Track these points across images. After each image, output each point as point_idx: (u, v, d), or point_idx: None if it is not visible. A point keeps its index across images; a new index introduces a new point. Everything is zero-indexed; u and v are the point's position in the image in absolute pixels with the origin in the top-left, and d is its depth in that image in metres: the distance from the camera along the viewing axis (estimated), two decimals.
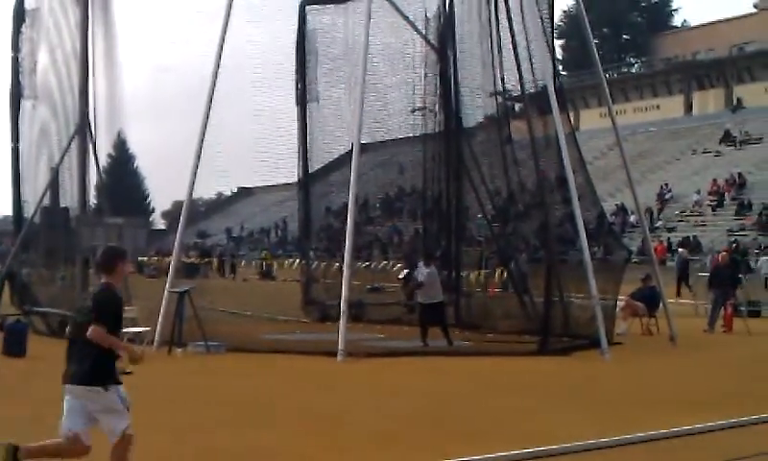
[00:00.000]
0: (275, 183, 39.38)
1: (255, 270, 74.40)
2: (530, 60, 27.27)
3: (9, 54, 30.54)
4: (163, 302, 25.07)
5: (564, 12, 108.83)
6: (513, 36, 27.83)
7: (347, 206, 25.70)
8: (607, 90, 31.84)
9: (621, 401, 17.63)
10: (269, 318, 32.88)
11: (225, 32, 26.46)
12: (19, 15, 30.46)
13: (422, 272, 26.11)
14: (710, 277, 33.18)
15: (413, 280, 26.82)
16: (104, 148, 30.59)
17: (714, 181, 71.34)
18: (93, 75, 28.27)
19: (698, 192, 71.19)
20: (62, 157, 28.65)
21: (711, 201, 69.79)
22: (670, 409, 16.19)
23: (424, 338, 25.51)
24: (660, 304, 28.84)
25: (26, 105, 30.23)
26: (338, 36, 32.82)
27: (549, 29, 27.48)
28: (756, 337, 28.87)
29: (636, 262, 38.24)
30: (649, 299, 29.49)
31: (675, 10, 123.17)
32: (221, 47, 26.42)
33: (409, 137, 34.47)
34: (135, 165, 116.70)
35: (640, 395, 18.42)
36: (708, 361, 24.07)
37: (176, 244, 27.99)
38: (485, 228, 33.29)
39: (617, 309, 27.67)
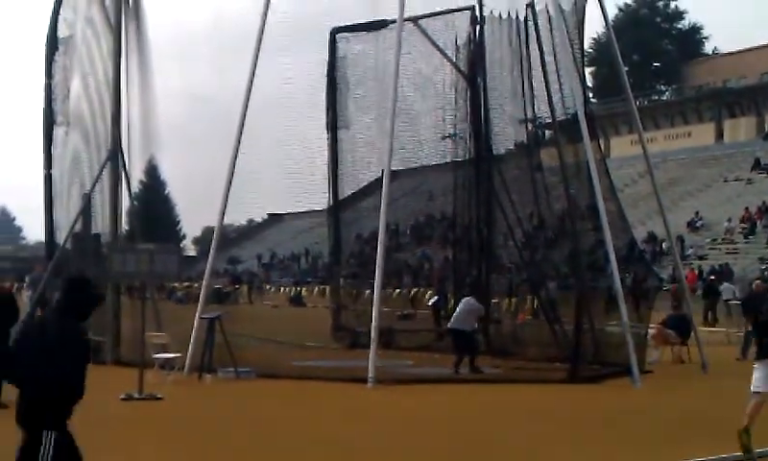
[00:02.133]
0: (305, 210, 39.46)
1: (285, 296, 74.51)
2: (560, 87, 27.27)
3: (42, 80, 30.77)
4: (194, 328, 25.13)
5: (594, 39, 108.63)
6: (543, 64, 27.86)
7: (377, 232, 25.74)
8: (637, 117, 31.78)
9: (653, 431, 17.52)
10: (298, 344, 32.91)
11: (256, 60, 26.61)
12: (53, 43, 30.68)
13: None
14: (744, 305, 32.95)
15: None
16: (135, 174, 30.76)
17: (746, 208, 70.94)
18: (127, 101, 28.47)
19: (729, 220, 70.76)
20: (95, 184, 28.80)
21: (743, 228, 69.37)
22: (703, 438, 16.08)
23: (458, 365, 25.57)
24: (692, 332, 28.66)
25: (59, 131, 30.41)
26: (369, 64, 32.94)
27: (579, 56, 27.49)
28: None
29: (666, 290, 38.09)
30: (680, 326, 29.31)
31: (706, 37, 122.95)
32: (252, 75, 26.56)
33: (439, 164, 34.51)
34: (167, 192, 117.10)
35: (673, 424, 18.30)
36: (740, 390, 23.85)
37: (207, 270, 28.08)
38: (515, 255, 33.22)
39: (648, 337, 27.53)
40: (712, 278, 54.08)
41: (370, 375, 22.43)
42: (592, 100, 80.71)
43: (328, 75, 33.60)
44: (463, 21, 31.91)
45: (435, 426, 17.70)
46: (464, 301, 26.68)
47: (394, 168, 27.30)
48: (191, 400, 21.23)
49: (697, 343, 27.85)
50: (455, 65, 32.28)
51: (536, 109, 29.39)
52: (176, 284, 63.03)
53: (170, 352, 23.81)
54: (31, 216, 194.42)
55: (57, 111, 30.38)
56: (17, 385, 8.77)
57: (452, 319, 26.49)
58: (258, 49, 26.63)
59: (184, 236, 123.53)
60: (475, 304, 26.77)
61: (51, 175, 30.35)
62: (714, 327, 39.17)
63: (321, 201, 34.17)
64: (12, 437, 8.85)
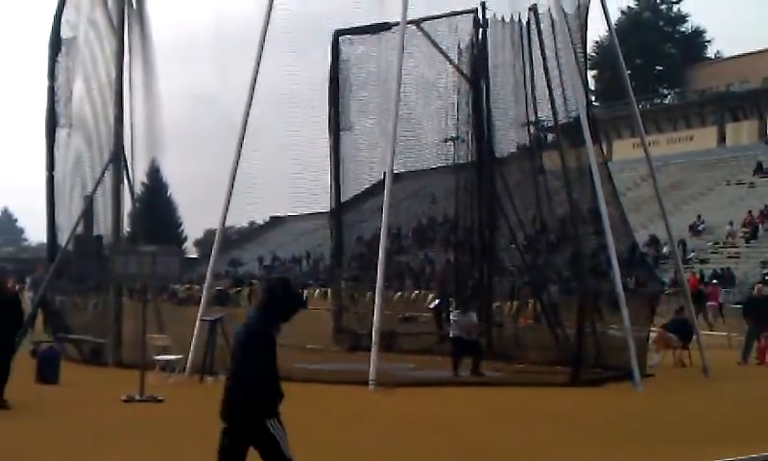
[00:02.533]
0: (307, 212, 39.45)
1: None
2: (563, 90, 27.28)
3: (45, 83, 30.78)
4: (195, 330, 25.13)
5: (597, 42, 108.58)
6: (545, 67, 27.88)
7: (378, 235, 25.72)
8: (640, 121, 31.74)
9: (654, 434, 17.51)
10: (300, 347, 32.88)
11: (259, 62, 26.61)
12: (55, 45, 30.70)
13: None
14: (745, 308, 32.97)
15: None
16: (138, 176, 30.78)
17: (749, 212, 70.88)
18: (131, 103, 28.49)
19: (731, 224, 70.69)
20: (97, 186, 28.81)
21: (745, 232, 69.30)
22: (703, 442, 16.08)
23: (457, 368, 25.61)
24: (694, 336, 28.65)
25: (61, 133, 30.43)
26: (371, 66, 32.95)
27: (582, 59, 27.50)
28: None
29: (668, 294, 38.11)
30: (682, 330, 29.29)
31: (708, 41, 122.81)
32: (255, 77, 26.56)
33: (441, 167, 34.49)
34: (169, 194, 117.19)
35: (673, 428, 18.30)
36: (741, 393, 23.87)
37: (208, 272, 28.08)
38: (517, 258, 33.20)
39: (650, 341, 27.52)
40: (705, 283, 54.31)
41: (371, 377, 22.43)
42: (595, 103, 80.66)
43: (331, 77, 33.63)
44: (466, 24, 31.91)
45: (437, 429, 17.70)
46: (467, 314, 26.71)
47: (396, 171, 27.28)
48: (192, 402, 21.21)
49: (699, 347, 27.84)
50: (458, 68, 32.28)
51: (538, 113, 29.43)
52: (177, 286, 63.10)
53: (171, 354, 23.82)
54: (33, 218, 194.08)
55: (59, 113, 30.40)
56: None
57: (458, 331, 26.36)
58: (261, 51, 26.63)
59: (186, 238, 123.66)
60: (473, 320, 26.90)
61: (53, 177, 30.37)
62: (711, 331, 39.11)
63: (323, 203, 34.18)
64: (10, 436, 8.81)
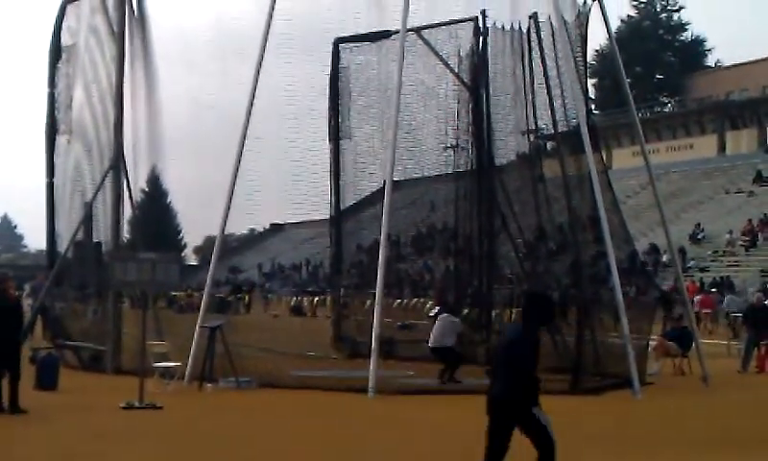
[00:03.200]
0: (306, 220, 39.47)
1: (286, 306, 74.56)
2: (563, 98, 27.29)
3: (45, 89, 30.81)
4: (195, 337, 25.12)
5: (597, 51, 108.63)
6: (546, 75, 27.89)
7: (378, 242, 25.72)
8: (640, 129, 31.75)
9: (654, 443, 17.50)
10: (299, 354, 32.88)
11: (259, 69, 26.61)
12: (56, 52, 30.73)
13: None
14: (744, 317, 32.97)
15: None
16: (138, 183, 30.78)
17: (748, 221, 70.86)
18: (132, 109, 28.51)
19: (731, 232, 70.68)
20: (96, 192, 28.82)
21: (744, 241, 69.29)
22: (702, 450, 16.07)
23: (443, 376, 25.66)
24: (693, 344, 28.63)
25: (61, 140, 30.45)
26: (371, 74, 32.97)
27: (582, 67, 27.51)
28: None
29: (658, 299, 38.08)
30: (682, 338, 29.27)
31: (708, 50, 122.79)
32: (255, 84, 26.56)
33: (441, 175, 34.51)
34: (168, 201, 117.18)
35: (673, 436, 18.28)
36: (740, 402, 23.86)
37: (208, 279, 28.08)
38: (516, 266, 33.19)
39: (650, 349, 27.50)
40: (706, 292, 54.43)
41: (370, 385, 22.43)
42: (595, 111, 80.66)
43: (331, 85, 33.65)
44: (466, 32, 31.96)
45: (437, 437, 17.68)
46: (441, 317, 26.69)
47: (395, 178, 27.29)
48: (191, 409, 21.22)
49: (698, 355, 27.82)
50: (458, 76, 32.31)
51: (538, 121, 29.41)
52: (177, 293, 63.13)
53: (170, 361, 23.81)
54: (32, 225, 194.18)
55: (59, 120, 30.43)
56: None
57: (432, 338, 26.34)
58: (261, 59, 26.63)
59: (186, 245, 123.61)
60: (453, 320, 26.86)
61: (53, 183, 30.39)
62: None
63: (322, 210, 34.18)
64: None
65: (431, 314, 29.86)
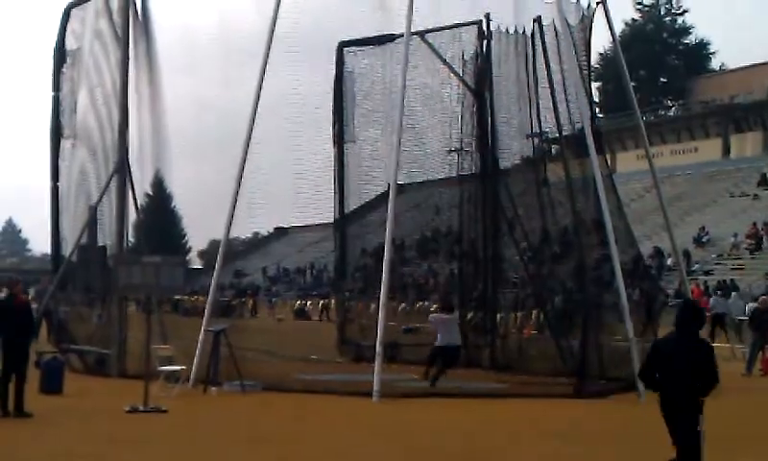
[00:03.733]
0: (311, 224, 39.48)
1: (290, 309, 74.58)
2: (567, 101, 27.29)
3: (49, 93, 30.84)
4: (199, 340, 25.13)
5: (601, 54, 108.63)
6: (550, 78, 27.88)
7: (382, 246, 25.72)
8: (644, 133, 31.80)
9: (658, 446, 17.47)
10: (304, 358, 32.89)
11: (263, 73, 26.60)
12: (60, 55, 30.77)
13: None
14: (750, 320, 32.93)
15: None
16: (142, 187, 30.81)
17: (753, 224, 70.79)
18: (137, 113, 28.53)
19: (735, 235, 70.61)
20: (101, 196, 28.84)
21: (749, 244, 69.22)
22: (709, 453, 16.02)
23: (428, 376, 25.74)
24: None
25: (66, 144, 30.47)
26: (375, 78, 33.00)
27: (586, 71, 27.51)
28: None
29: (672, 305, 38.01)
30: None
31: (713, 53, 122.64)
32: (259, 88, 26.56)
33: (445, 178, 34.50)
34: (173, 204, 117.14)
35: None
36: (745, 405, 23.82)
37: (212, 283, 28.07)
38: (521, 269, 33.19)
39: None
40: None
41: (375, 388, 22.42)
42: (599, 115, 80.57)
43: (335, 88, 33.68)
44: (470, 36, 31.98)
45: (442, 441, 17.67)
46: (448, 318, 26.76)
47: (400, 182, 27.30)
48: (196, 412, 21.22)
49: None
50: (462, 79, 32.31)
51: (542, 124, 29.39)
52: (181, 297, 63.11)
53: (175, 365, 23.82)
54: (37, 229, 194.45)
55: (64, 124, 30.46)
56: (654, 388, 12.74)
57: (446, 338, 26.34)
58: (266, 62, 26.63)
59: (190, 249, 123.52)
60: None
61: (57, 187, 30.41)
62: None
63: (327, 214, 34.17)
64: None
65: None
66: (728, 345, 37.69)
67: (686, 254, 62.81)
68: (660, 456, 16.15)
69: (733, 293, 52.37)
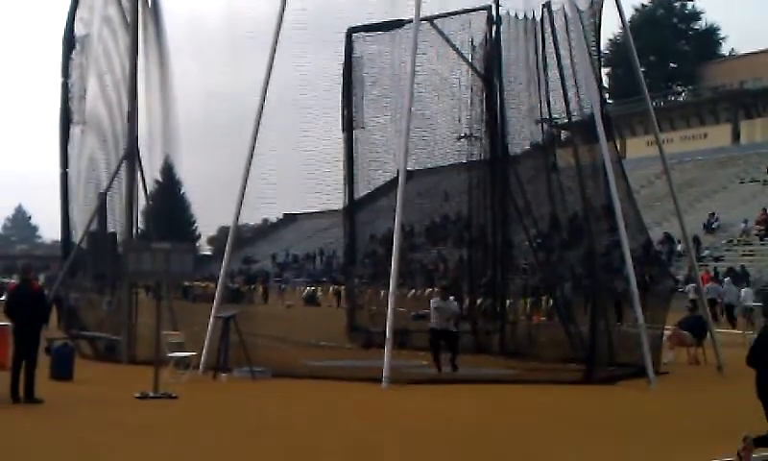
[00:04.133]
0: (320, 210, 39.48)
1: (300, 296, 74.66)
2: (576, 87, 27.21)
3: (59, 80, 30.83)
4: (209, 327, 25.15)
5: (611, 40, 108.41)
6: (559, 64, 27.80)
7: (392, 232, 25.68)
8: (654, 119, 31.70)
9: (669, 432, 17.47)
10: (313, 344, 32.91)
11: (272, 59, 26.57)
12: (69, 42, 30.75)
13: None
14: (763, 305, 32.92)
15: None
16: (151, 173, 30.81)
17: (764, 210, 70.64)
18: (146, 99, 28.54)
19: (746, 221, 70.50)
20: (110, 183, 28.85)
21: (759, 230, 69.10)
22: (717, 440, 16.01)
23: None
24: (708, 334, 28.55)
25: (75, 130, 30.47)
26: (384, 64, 32.92)
27: (596, 56, 27.42)
28: None
29: (682, 291, 38.02)
30: (696, 327, 29.19)
31: (722, 38, 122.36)
32: (268, 74, 26.52)
33: (455, 165, 34.46)
34: (182, 191, 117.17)
35: (688, 425, 18.26)
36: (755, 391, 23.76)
37: (222, 269, 28.09)
38: (530, 255, 33.16)
39: (664, 338, 27.43)
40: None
41: (384, 375, 22.43)
42: (608, 101, 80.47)
43: (344, 75, 33.62)
44: (479, 21, 31.91)
45: (451, 427, 17.68)
46: (443, 301, 26.65)
47: (409, 168, 27.26)
48: (206, 399, 21.25)
49: (713, 344, 27.76)
50: (471, 65, 32.26)
51: (552, 110, 29.32)
52: (191, 283, 63.14)
53: (185, 351, 23.84)
54: (47, 215, 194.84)
55: (73, 110, 30.44)
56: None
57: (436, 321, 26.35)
58: (275, 48, 26.59)
59: (200, 235, 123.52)
60: (453, 307, 26.95)
61: (67, 174, 30.41)
62: None
63: (336, 201, 34.16)
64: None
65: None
66: (730, 331, 37.65)
67: (696, 240, 62.69)
68: (669, 441, 16.17)
69: (726, 278, 52.27)
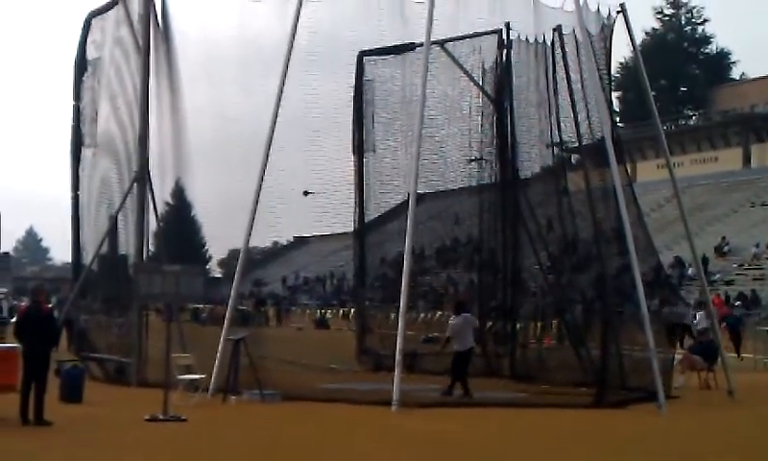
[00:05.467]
0: (330, 233, 39.50)
1: (310, 318, 74.64)
2: (587, 111, 27.22)
3: (70, 103, 30.95)
4: (219, 349, 25.12)
5: (622, 63, 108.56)
6: (570, 88, 27.82)
7: (402, 255, 25.66)
8: (664, 142, 31.70)
9: (679, 456, 17.40)
10: (323, 367, 32.87)
11: (283, 81, 26.58)
12: (81, 65, 30.89)
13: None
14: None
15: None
16: (162, 196, 30.86)
17: None
18: (157, 122, 28.61)
19: (757, 245, 70.39)
20: (121, 205, 28.91)
21: None
22: None
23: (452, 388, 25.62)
24: (719, 358, 28.46)
25: (86, 153, 30.57)
26: (395, 87, 33.00)
27: (606, 80, 27.45)
28: None
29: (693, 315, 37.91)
30: (707, 352, 29.10)
31: (733, 62, 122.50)
32: (279, 97, 26.55)
33: (465, 188, 34.48)
34: (193, 213, 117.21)
35: (698, 450, 18.18)
36: (766, 415, 23.70)
37: (232, 292, 28.07)
38: (540, 278, 33.12)
39: (675, 362, 27.35)
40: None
41: (394, 398, 22.37)
42: (619, 124, 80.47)
43: (355, 98, 33.71)
44: (490, 45, 31.95)
45: (461, 451, 17.63)
46: (458, 316, 26.57)
47: (419, 191, 27.23)
48: (215, 421, 21.22)
49: (724, 369, 27.67)
50: (481, 89, 32.31)
51: (562, 133, 29.32)
52: (201, 306, 63.15)
53: (195, 374, 23.83)
54: (58, 237, 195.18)
55: (84, 133, 30.55)
56: None
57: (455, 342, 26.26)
58: (286, 71, 26.61)
59: (210, 258, 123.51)
60: (472, 320, 26.89)
61: (78, 196, 30.50)
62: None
63: (346, 224, 34.18)
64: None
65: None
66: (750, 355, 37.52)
67: (705, 261, 62.47)
68: None
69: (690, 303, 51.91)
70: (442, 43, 30.68)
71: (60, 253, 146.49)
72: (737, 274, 68.42)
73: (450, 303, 29.15)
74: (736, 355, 38.60)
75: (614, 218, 25.68)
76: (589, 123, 27.25)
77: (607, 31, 27.28)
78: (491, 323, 33.12)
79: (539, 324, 33.99)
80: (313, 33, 27.12)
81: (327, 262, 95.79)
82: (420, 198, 28.64)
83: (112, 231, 29.26)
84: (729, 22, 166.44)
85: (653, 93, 35.31)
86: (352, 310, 51.19)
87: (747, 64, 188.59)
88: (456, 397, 25.16)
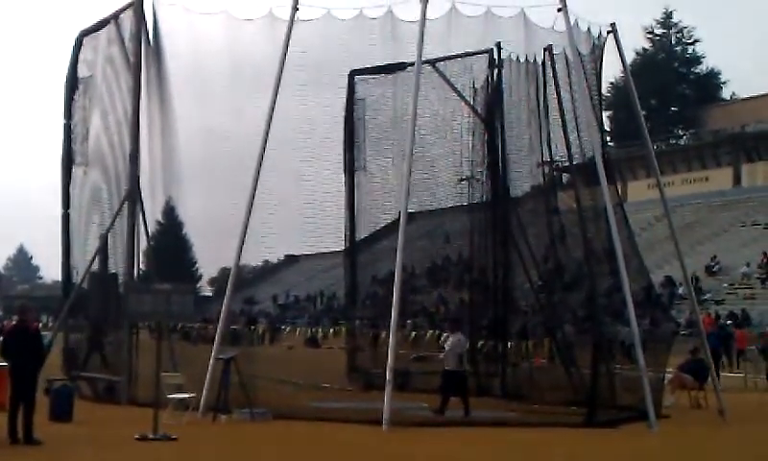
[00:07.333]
0: (321, 251, 39.47)
1: (300, 337, 74.57)
2: (577, 130, 27.28)
3: (61, 121, 30.92)
4: (209, 368, 25.07)
5: (612, 83, 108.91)
6: (561, 107, 27.89)
7: (393, 274, 25.64)
8: (655, 162, 31.76)
9: None
10: (314, 386, 32.82)
11: (274, 100, 26.60)
12: (72, 83, 30.88)
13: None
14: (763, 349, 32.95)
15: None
16: (153, 214, 30.83)
17: (765, 253, 70.63)
18: (148, 140, 28.61)
19: (747, 265, 70.50)
20: (112, 224, 28.86)
21: (761, 274, 69.09)
22: None
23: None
24: (709, 377, 28.47)
25: (77, 171, 30.54)
26: (386, 106, 33.01)
27: (597, 100, 27.53)
28: None
29: (683, 335, 37.95)
30: (697, 371, 29.10)
31: (724, 82, 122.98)
32: (270, 115, 26.55)
33: (456, 207, 34.50)
34: (184, 232, 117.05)
35: None
36: (757, 435, 23.71)
37: (223, 311, 28.02)
38: (531, 297, 33.12)
39: (665, 382, 27.35)
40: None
41: (385, 417, 22.33)
42: (610, 144, 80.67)
43: (346, 117, 33.68)
44: (481, 64, 32.01)
45: None
46: (453, 335, 26.49)
47: (410, 210, 27.21)
48: (205, 440, 21.17)
49: (714, 388, 27.68)
50: (472, 108, 32.35)
51: (553, 153, 29.38)
52: (191, 324, 63.03)
53: (185, 393, 23.77)
54: (48, 256, 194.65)
55: (75, 151, 30.53)
56: None
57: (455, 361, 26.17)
58: (277, 89, 26.62)
59: (201, 276, 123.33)
60: (463, 340, 26.80)
61: (68, 214, 30.45)
62: None
63: (337, 242, 34.15)
64: None
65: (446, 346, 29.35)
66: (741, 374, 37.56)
67: (695, 279, 62.54)
68: None
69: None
70: (433, 63, 30.68)
71: (51, 271, 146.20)
72: (728, 293, 68.49)
73: (447, 323, 29.07)
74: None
75: (605, 237, 25.73)
76: (580, 142, 27.33)
77: (597, 50, 27.37)
78: (482, 342, 33.09)
79: (529, 343, 33.99)
80: (304, 52, 27.14)
81: (318, 281, 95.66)
82: (411, 217, 28.63)
83: (103, 250, 29.20)
84: (719, 42, 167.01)
85: (643, 113, 35.47)
86: (343, 329, 51.15)
87: (737, 85, 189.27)
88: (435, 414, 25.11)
